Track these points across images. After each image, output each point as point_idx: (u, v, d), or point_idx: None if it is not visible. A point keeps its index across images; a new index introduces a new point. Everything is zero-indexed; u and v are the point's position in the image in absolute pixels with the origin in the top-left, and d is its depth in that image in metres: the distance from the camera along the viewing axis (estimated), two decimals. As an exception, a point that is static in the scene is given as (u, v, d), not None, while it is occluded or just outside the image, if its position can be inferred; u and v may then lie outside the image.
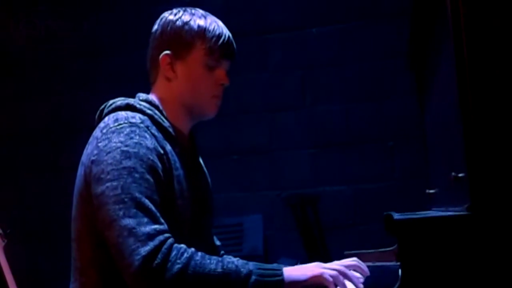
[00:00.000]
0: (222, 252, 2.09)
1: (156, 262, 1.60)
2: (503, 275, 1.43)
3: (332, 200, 4.17)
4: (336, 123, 4.29)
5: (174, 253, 1.63)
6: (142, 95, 1.91)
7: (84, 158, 1.81)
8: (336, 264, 1.78)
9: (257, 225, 4.24)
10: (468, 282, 1.44)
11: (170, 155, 1.80)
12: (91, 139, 1.82)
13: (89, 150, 1.79)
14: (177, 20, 1.89)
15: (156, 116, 1.84)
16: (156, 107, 1.86)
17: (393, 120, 4.16)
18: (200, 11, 1.93)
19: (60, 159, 4.60)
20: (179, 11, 1.92)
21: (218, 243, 2.10)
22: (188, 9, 1.93)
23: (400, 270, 1.49)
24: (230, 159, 4.42)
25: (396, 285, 1.47)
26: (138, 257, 1.60)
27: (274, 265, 1.72)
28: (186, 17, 1.89)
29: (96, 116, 1.90)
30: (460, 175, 1.53)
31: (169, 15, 1.92)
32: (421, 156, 2.57)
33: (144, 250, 1.60)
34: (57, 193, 4.43)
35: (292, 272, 1.70)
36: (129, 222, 1.63)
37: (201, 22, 1.89)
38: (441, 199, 1.97)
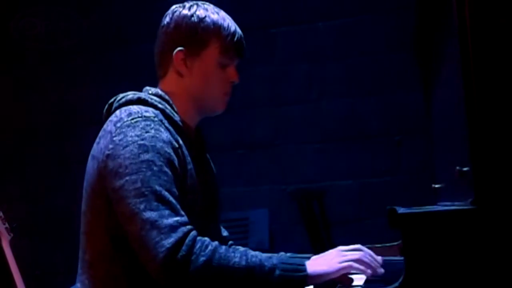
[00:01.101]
0: (230, 242, 2.10)
1: (180, 254, 1.61)
2: (507, 269, 1.43)
3: (338, 195, 4.17)
4: (342, 117, 4.28)
5: (198, 245, 1.63)
6: (151, 89, 1.91)
7: (96, 152, 1.80)
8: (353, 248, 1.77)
9: (263, 219, 4.24)
10: (472, 276, 1.44)
11: (183, 149, 1.81)
12: (102, 133, 1.81)
13: (102, 144, 1.78)
14: (192, 15, 1.88)
15: (167, 110, 1.84)
16: (167, 101, 1.87)
17: (400, 114, 4.15)
18: (212, 6, 1.93)
19: (66, 153, 4.61)
20: (192, 5, 1.91)
21: (225, 234, 2.11)
22: (200, 4, 1.92)
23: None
24: (236, 153, 4.42)
25: (400, 279, 1.47)
26: (163, 249, 1.60)
27: (298, 260, 1.72)
28: (200, 12, 1.89)
29: (105, 110, 1.89)
30: (464, 169, 1.52)
31: (182, 9, 1.91)
32: (427, 150, 2.56)
33: (168, 242, 1.61)
34: (63, 188, 4.45)
35: (317, 266, 1.69)
36: (151, 215, 1.63)
37: (216, 18, 1.88)
38: (447, 193, 1.97)
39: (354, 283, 1.72)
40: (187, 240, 1.62)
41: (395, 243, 2.11)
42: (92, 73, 4.69)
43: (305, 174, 4.31)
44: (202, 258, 1.62)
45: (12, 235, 2.59)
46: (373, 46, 4.25)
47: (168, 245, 1.60)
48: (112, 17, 4.69)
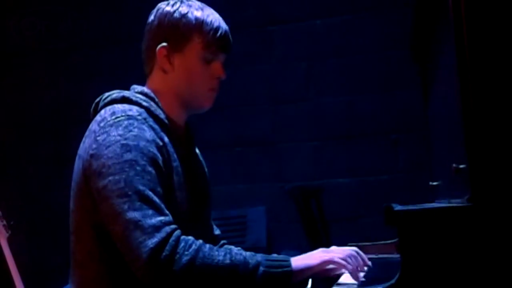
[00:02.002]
0: (223, 241, 2.09)
1: (164, 254, 1.60)
2: (503, 266, 1.43)
3: (336, 193, 4.17)
4: (339, 115, 4.28)
5: (182, 244, 1.63)
6: (137, 87, 1.90)
7: (81, 151, 1.80)
8: (341, 249, 1.78)
9: (261, 217, 4.24)
10: (468, 273, 1.44)
11: (168, 147, 1.80)
12: (87, 132, 1.81)
13: (86, 143, 1.78)
14: (174, 11, 1.88)
15: (152, 108, 1.83)
16: (152, 99, 1.86)
17: (397, 113, 4.15)
18: (197, 3, 1.93)
19: (63, 150, 4.60)
20: (176, 2, 1.90)
21: (217, 232, 2.10)
22: (185, 0, 1.92)
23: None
24: (233, 151, 4.42)
25: (396, 276, 1.48)
26: (146, 249, 1.60)
27: (282, 256, 1.72)
28: (183, 9, 1.88)
29: (92, 109, 1.89)
30: (461, 166, 1.53)
31: (166, 6, 1.90)
32: (424, 148, 2.57)
33: (152, 242, 1.61)
34: (60, 185, 4.44)
35: (300, 261, 1.71)
36: (134, 215, 1.63)
37: (199, 14, 1.87)
38: (444, 191, 1.97)
39: (350, 281, 1.72)
40: (170, 240, 1.62)
41: (392, 241, 2.11)
42: (91, 71, 4.68)
43: (303, 172, 4.32)
44: (185, 258, 1.62)
45: (9, 232, 2.60)
46: (371, 44, 4.25)
47: (151, 245, 1.60)
48: (112, 16, 4.69)
